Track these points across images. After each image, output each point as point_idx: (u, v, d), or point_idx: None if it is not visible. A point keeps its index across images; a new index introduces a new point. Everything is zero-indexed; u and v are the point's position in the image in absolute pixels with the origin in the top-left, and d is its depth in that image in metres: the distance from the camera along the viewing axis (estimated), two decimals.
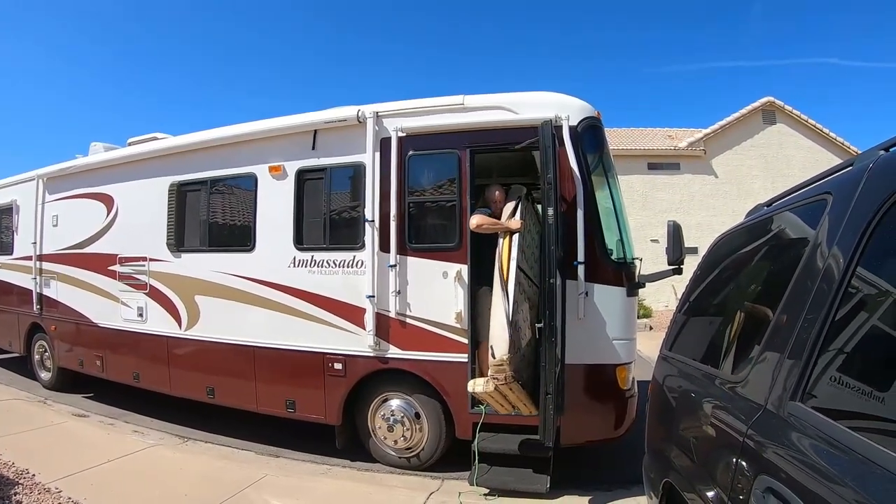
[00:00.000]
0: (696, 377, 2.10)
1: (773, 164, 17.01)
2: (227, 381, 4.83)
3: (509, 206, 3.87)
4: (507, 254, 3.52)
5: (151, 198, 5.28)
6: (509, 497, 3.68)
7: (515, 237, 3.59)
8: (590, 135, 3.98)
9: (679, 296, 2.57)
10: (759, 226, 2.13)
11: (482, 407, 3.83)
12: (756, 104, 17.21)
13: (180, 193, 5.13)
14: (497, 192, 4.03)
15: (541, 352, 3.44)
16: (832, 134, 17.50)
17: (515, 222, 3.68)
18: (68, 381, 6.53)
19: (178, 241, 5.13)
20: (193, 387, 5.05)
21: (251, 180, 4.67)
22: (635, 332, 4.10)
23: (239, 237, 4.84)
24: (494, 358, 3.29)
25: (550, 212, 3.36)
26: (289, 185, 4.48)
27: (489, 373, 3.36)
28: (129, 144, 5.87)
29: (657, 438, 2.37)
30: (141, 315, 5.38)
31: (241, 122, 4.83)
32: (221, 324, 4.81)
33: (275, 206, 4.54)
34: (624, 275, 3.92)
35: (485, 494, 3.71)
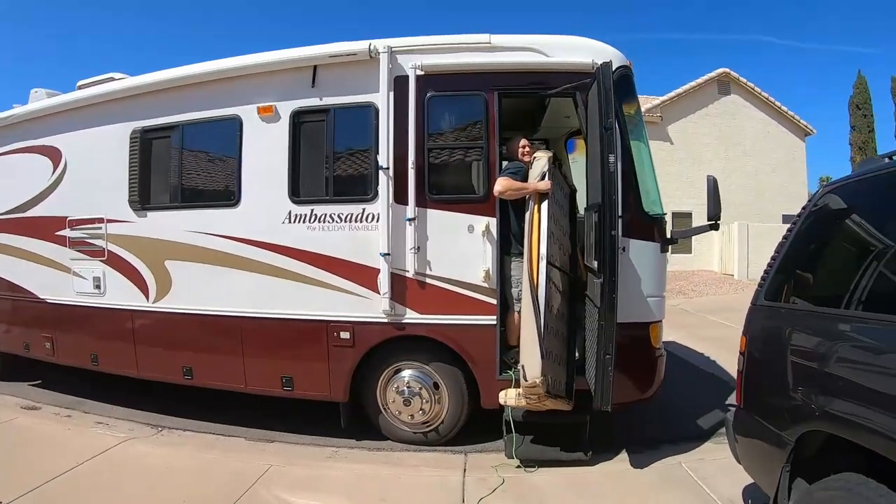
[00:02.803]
0: (836, 323, 1.93)
1: (726, 133, 17.14)
2: (208, 359, 4.00)
3: (535, 170, 3.38)
4: (536, 250, 3.06)
5: (108, 148, 4.28)
6: (548, 467, 3.25)
7: (545, 221, 3.12)
8: (624, 84, 3.52)
9: None
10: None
11: (512, 372, 3.35)
12: (712, 74, 17.25)
13: (145, 142, 4.16)
14: (523, 142, 3.59)
15: (597, 310, 3.00)
16: (784, 108, 17.86)
17: (544, 184, 3.23)
18: (9, 368, 5.35)
19: (143, 198, 4.17)
20: (166, 367, 4.17)
21: (234, 124, 3.82)
22: (665, 288, 3.71)
23: (219, 191, 4.00)
24: (526, 380, 2.97)
25: (612, 159, 2.92)
26: (282, 129, 3.68)
27: (521, 391, 3.07)
28: (80, 88, 4.73)
29: (777, 392, 2.12)
30: (98, 287, 4.38)
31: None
32: (199, 293, 3.97)
33: (264, 154, 3.74)
34: (656, 230, 3.53)
35: (517, 466, 3.27)
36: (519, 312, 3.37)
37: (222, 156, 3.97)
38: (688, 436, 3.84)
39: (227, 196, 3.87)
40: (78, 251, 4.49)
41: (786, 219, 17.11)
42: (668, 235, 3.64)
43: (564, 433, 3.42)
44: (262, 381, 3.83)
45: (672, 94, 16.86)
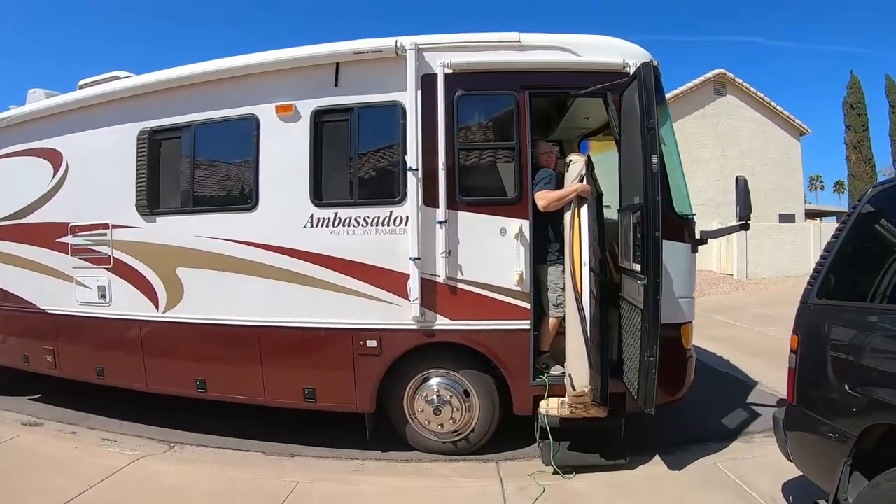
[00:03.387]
0: None
1: (722, 133, 17.17)
2: (223, 371, 3.78)
3: (572, 173, 3.30)
4: (578, 257, 3.02)
5: (114, 150, 4.04)
6: (584, 473, 3.17)
7: (585, 226, 3.06)
8: (655, 84, 3.41)
9: None
10: None
11: (544, 377, 3.27)
12: (708, 75, 17.26)
13: (153, 143, 3.93)
14: (546, 147, 3.57)
15: (640, 312, 2.91)
16: (779, 107, 17.99)
17: (584, 186, 3.18)
18: (6, 383, 5.03)
19: (152, 202, 3.93)
20: (178, 380, 3.94)
21: (251, 123, 3.62)
22: (695, 289, 3.66)
23: (235, 194, 3.79)
24: (574, 389, 2.95)
25: (654, 159, 2.83)
26: (302, 129, 3.50)
27: (567, 400, 3.06)
28: (81, 87, 4.48)
29: (838, 388, 2.15)
30: (104, 296, 4.13)
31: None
32: (214, 301, 3.75)
33: (284, 155, 3.55)
34: (686, 231, 3.44)
35: (554, 473, 3.16)
36: (556, 318, 3.28)
37: (238, 157, 3.76)
38: (714, 435, 3.80)
39: (244, 199, 3.66)
40: (81, 259, 4.22)
41: (783, 218, 17.02)
42: (698, 236, 3.55)
43: (596, 437, 3.31)
44: (283, 393, 3.63)
45: (669, 95, 16.73)
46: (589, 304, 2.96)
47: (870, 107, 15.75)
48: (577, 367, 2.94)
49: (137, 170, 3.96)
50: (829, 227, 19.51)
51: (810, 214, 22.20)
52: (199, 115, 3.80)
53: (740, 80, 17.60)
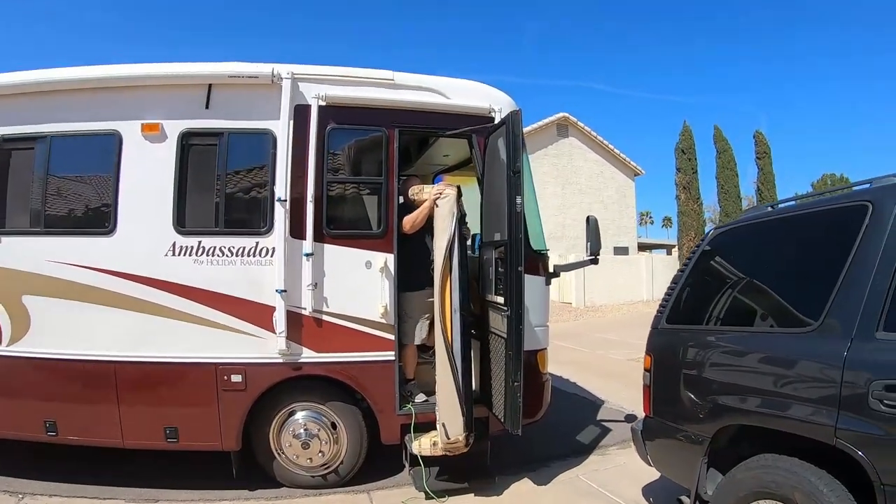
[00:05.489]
0: (741, 337, 2.28)
1: (563, 172, 18.19)
2: (76, 411, 3.27)
3: (444, 208, 3.25)
4: (449, 303, 3.04)
5: None
6: (457, 495, 3.20)
7: (455, 269, 3.09)
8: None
9: None
10: (796, 219, 2.33)
11: (410, 406, 3.24)
12: (553, 118, 18.18)
13: (2, 153, 3.38)
14: (416, 182, 3.54)
15: (504, 341, 3.01)
16: (616, 150, 19.42)
17: (434, 190, 3.24)
18: None
19: None
20: (23, 422, 3.35)
21: (113, 140, 3.23)
22: (549, 318, 3.82)
23: (91, 216, 3.34)
24: (448, 438, 2.96)
25: (519, 200, 2.92)
26: (168, 150, 3.18)
27: (441, 444, 3.04)
28: None
29: (690, 399, 2.38)
30: None
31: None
32: (65, 334, 3.26)
33: (147, 177, 3.19)
34: (541, 264, 3.58)
35: (428, 498, 3.13)
36: (412, 345, 3.28)
37: (97, 176, 3.33)
38: (572, 451, 3.98)
39: (101, 222, 3.23)
40: None
41: (617, 250, 17.92)
42: (551, 269, 3.70)
43: (465, 461, 3.28)
44: (142, 434, 3.22)
45: None
46: (461, 354, 2.95)
47: (698, 152, 18.19)
48: (450, 417, 2.93)
49: None
50: (659, 258, 20.53)
51: (642, 247, 23.97)
52: (57, 125, 3.32)
53: (582, 124, 18.71)
